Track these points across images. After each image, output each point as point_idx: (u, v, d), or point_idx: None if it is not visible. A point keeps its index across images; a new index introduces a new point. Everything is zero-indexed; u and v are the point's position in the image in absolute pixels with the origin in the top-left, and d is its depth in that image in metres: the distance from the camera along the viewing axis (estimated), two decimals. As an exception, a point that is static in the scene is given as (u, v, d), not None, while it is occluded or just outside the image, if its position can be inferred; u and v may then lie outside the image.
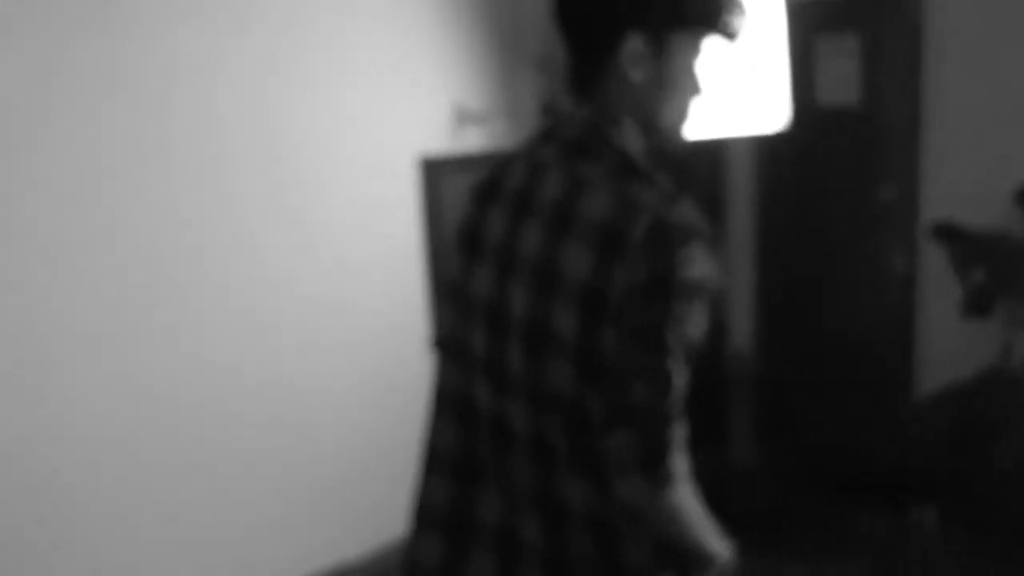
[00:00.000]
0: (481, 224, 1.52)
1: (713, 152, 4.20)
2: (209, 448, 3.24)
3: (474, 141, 3.93)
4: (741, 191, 4.29)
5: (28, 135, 2.76)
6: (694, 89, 1.46)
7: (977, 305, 3.33)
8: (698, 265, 1.30)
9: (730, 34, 1.44)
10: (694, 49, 1.43)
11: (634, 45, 1.39)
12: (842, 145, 3.97)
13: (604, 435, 1.31)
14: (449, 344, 1.59)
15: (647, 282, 1.28)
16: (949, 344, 3.69)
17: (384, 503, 3.44)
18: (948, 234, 3.41)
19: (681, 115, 1.48)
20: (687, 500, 1.34)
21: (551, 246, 1.37)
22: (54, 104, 2.80)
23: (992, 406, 3.29)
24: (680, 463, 1.31)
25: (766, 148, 4.17)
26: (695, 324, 1.31)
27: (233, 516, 3.32)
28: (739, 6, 1.44)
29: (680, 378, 1.30)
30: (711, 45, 1.44)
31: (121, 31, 2.92)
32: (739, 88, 3.37)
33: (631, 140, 1.43)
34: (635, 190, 1.34)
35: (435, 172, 3.79)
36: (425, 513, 1.59)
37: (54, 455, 2.86)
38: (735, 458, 4.14)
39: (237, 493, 3.32)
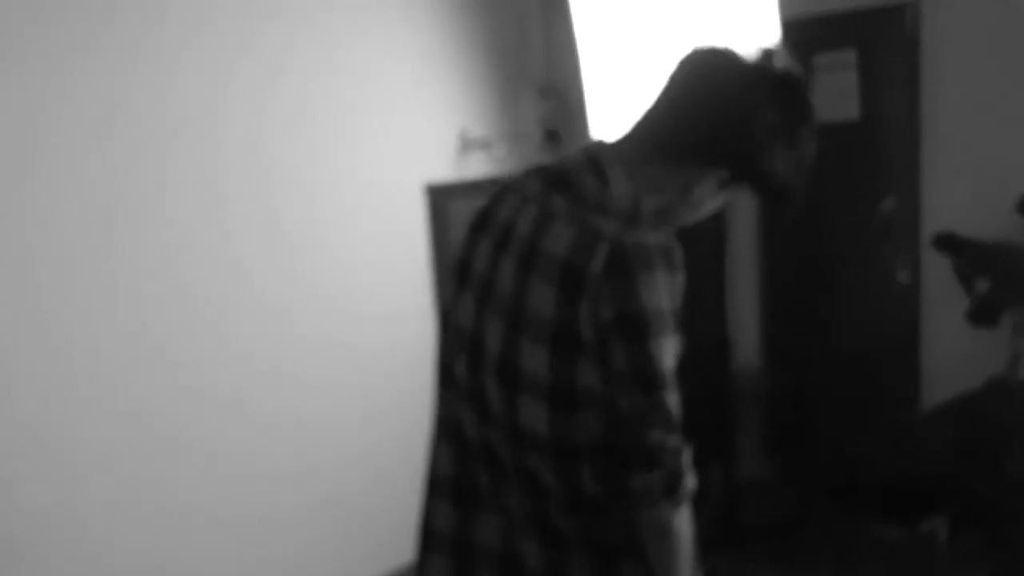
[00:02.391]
0: (471, 254, 1.55)
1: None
2: (217, 478, 3.26)
3: (479, 167, 3.97)
4: (743, 207, 4.31)
5: (26, 165, 2.77)
6: (705, 211, 1.52)
7: (983, 315, 3.34)
8: (664, 292, 1.31)
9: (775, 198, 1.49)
10: (728, 187, 1.50)
11: (716, 179, 1.46)
12: (843, 160, 3.99)
13: (626, 477, 1.34)
14: (442, 371, 1.61)
15: (618, 319, 1.30)
16: (956, 354, 3.70)
17: (394, 528, 3.45)
18: (951, 244, 3.42)
19: (684, 222, 1.52)
20: (687, 522, 1.37)
21: (520, 283, 1.39)
22: (50, 136, 2.81)
23: (1000, 415, 3.29)
24: (691, 483, 1.35)
25: (767, 164, 4.18)
26: (671, 352, 1.34)
27: (245, 544, 3.35)
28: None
29: (677, 405, 1.34)
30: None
31: (118, 68, 2.95)
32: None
33: (627, 190, 1.42)
34: (598, 221, 1.36)
35: (441, 198, 3.83)
36: (430, 536, 1.61)
37: (48, 487, 2.87)
38: (744, 471, 4.15)
39: (248, 522, 3.35)
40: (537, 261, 1.38)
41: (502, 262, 1.45)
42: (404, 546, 3.43)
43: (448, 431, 1.58)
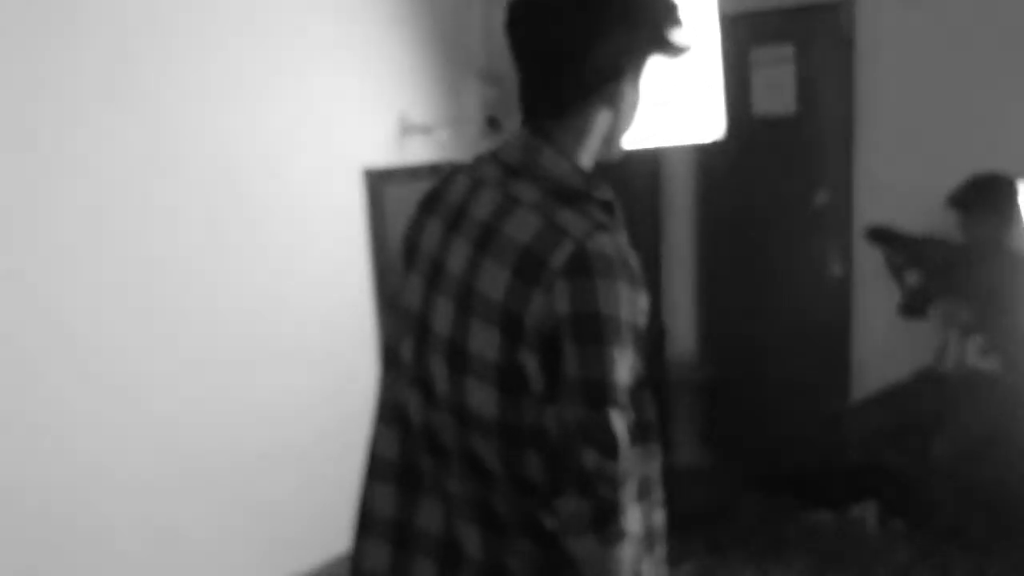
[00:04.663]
0: (420, 234, 1.52)
1: (651, 161, 4.25)
2: (156, 462, 3.18)
3: (419, 152, 3.93)
4: (679, 199, 4.36)
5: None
6: (639, 104, 1.48)
7: (913, 306, 3.43)
8: (624, 303, 1.28)
9: (678, 50, 1.43)
10: (642, 72, 1.44)
11: (612, 90, 1.40)
12: (778, 153, 4.05)
13: (555, 497, 1.30)
14: (387, 353, 1.58)
15: (573, 317, 1.27)
16: (886, 345, 3.79)
17: (333, 516, 3.42)
18: (883, 237, 3.50)
19: (628, 132, 1.49)
20: (629, 559, 1.32)
21: (474, 264, 1.36)
22: None
23: (928, 405, 3.38)
24: (632, 520, 1.31)
25: (703, 157, 4.24)
26: (626, 367, 1.31)
27: (181, 535, 3.27)
28: (680, 20, 1.42)
29: (624, 429, 1.29)
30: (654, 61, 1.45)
31: (70, 68, 2.86)
32: (676, 98, 3.42)
33: (567, 165, 1.40)
34: (565, 216, 1.32)
35: (379, 182, 3.78)
36: (368, 519, 1.57)
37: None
38: (679, 460, 4.20)
39: (186, 512, 3.28)
40: (494, 243, 1.34)
41: (454, 243, 1.42)
42: (339, 538, 3.42)
43: (391, 414, 1.54)
